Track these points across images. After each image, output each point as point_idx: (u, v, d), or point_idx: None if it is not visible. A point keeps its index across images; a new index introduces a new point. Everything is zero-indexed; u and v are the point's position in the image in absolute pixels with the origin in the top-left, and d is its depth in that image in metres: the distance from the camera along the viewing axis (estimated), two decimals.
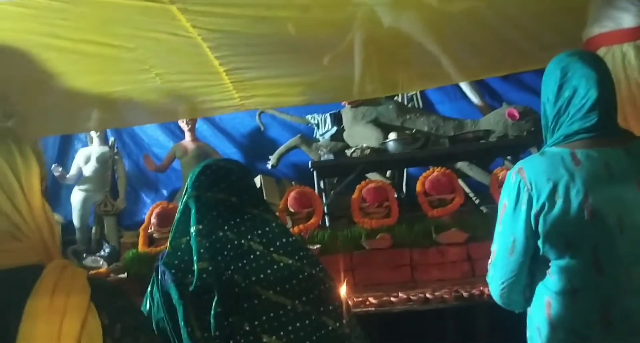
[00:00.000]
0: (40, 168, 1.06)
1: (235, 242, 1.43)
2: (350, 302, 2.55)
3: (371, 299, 2.54)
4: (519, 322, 1.82)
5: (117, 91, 4.18)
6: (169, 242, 1.56)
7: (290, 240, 1.48)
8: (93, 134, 5.37)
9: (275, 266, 1.41)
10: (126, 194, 5.44)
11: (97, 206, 5.15)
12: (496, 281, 1.74)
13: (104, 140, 5.48)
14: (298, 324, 1.35)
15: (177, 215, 1.56)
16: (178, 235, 1.52)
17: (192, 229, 1.46)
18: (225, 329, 1.34)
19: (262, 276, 1.38)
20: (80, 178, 5.34)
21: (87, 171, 5.30)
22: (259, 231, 1.46)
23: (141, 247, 3.22)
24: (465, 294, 2.54)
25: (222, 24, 3.68)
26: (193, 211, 1.49)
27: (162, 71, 3.93)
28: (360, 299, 2.58)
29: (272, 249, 1.43)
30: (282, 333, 1.33)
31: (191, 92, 4.06)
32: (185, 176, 5.32)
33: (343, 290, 2.58)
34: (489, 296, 1.87)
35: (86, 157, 5.37)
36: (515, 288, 1.73)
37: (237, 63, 3.92)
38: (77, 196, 5.25)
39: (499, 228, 1.75)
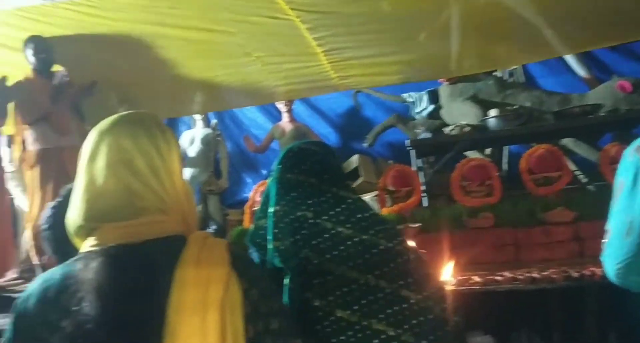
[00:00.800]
0: (179, 150, 1.15)
1: (312, 221, 1.45)
2: (451, 279, 2.55)
3: (475, 278, 2.52)
4: (632, 302, 1.75)
5: (220, 75, 4.36)
6: (253, 221, 1.63)
7: (366, 215, 1.48)
8: (197, 117, 5.62)
9: (349, 242, 1.42)
10: (228, 174, 5.67)
11: (201, 186, 5.41)
12: (611, 262, 1.68)
13: (206, 122, 5.73)
14: (371, 297, 1.36)
15: (263, 196, 1.62)
16: (261, 215, 1.58)
17: (270, 210, 1.51)
18: (299, 305, 1.38)
19: (335, 252, 1.41)
20: (185, 160, 5.63)
21: (192, 152, 5.57)
22: (337, 209, 1.48)
23: (246, 224, 3.37)
24: (575, 274, 2.45)
25: (320, 5, 3.73)
26: (273, 192, 1.54)
27: (263, 54, 4.06)
28: (463, 277, 2.56)
29: (347, 225, 1.44)
30: (355, 307, 1.34)
31: (290, 73, 4.16)
32: None
33: (447, 268, 2.58)
34: (601, 277, 1.79)
35: (190, 139, 5.64)
36: (633, 269, 1.66)
37: (334, 43, 3.96)
38: None
39: (614, 207, 1.68)
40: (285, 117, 5.51)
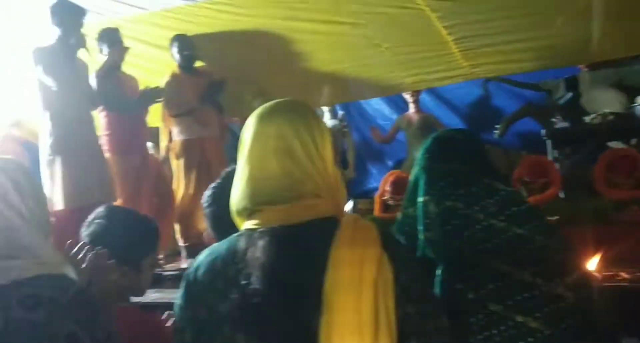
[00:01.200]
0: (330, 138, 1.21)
1: (462, 212, 1.43)
2: (597, 276, 2.42)
3: (623, 274, 2.38)
4: None
5: (349, 67, 4.42)
6: (401, 210, 1.64)
7: (522, 208, 1.44)
8: (324, 108, 5.74)
9: (503, 236, 1.39)
10: (354, 164, 5.75)
11: None
12: None
13: (334, 114, 5.84)
14: (527, 294, 1.33)
15: (409, 185, 1.62)
16: (408, 204, 1.58)
17: (419, 199, 1.51)
18: (450, 295, 1.37)
19: (488, 245, 1.38)
20: None
21: None
22: (489, 200, 1.45)
23: (377, 213, 3.42)
24: None
25: None
26: (421, 182, 1.53)
27: (391, 45, 4.06)
28: (610, 273, 2.42)
29: (500, 218, 1.41)
30: (509, 302, 1.32)
31: (420, 63, 4.12)
32: (410, 147, 5.43)
33: (591, 263, 2.45)
34: None
35: None
36: None
37: (465, 31, 3.88)
38: None
39: None
40: (411, 107, 5.47)
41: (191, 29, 4.28)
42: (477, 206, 1.44)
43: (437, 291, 1.37)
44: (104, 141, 3.93)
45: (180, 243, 3.93)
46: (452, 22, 3.82)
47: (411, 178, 1.61)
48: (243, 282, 1.07)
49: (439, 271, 1.40)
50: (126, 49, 3.87)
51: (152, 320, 1.80)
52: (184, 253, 4.02)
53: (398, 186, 3.36)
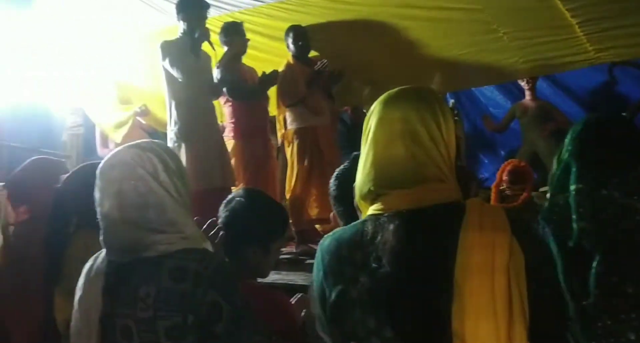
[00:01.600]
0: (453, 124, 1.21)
1: (619, 201, 1.36)
2: None
3: None
4: None
5: (464, 53, 4.31)
6: (548, 197, 1.58)
7: None
8: None
9: None
10: (466, 153, 5.62)
11: None
12: None
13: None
14: None
15: (556, 171, 1.56)
16: (557, 191, 1.52)
17: (572, 187, 1.44)
18: (605, 289, 1.31)
19: None
20: None
21: None
22: None
23: (493, 203, 3.32)
24: None
25: None
26: (574, 169, 1.46)
27: (510, 30, 3.92)
28: None
29: None
30: None
31: (540, 48, 3.94)
32: (525, 135, 5.24)
33: None
34: None
35: None
36: None
37: (591, 13, 3.66)
38: None
39: None
40: (527, 95, 5.25)
41: (305, 20, 4.37)
42: (636, 196, 1.37)
43: (591, 284, 1.32)
44: (228, 129, 4.15)
45: (293, 228, 4.06)
46: (576, 4, 3.61)
47: (557, 164, 1.55)
48: (373, 266, 1.09)
49: (594, 264, 1.35)
50: (247, 40, 4.06)
51: (279, 298, 1.88)
52: (296, 238, 4.14)
53: (516, 175, 3.25)
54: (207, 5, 3.87)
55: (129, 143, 1.50)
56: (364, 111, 4.84)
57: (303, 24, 4.35)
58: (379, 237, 1.10)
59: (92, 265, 1.51)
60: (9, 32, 4.59)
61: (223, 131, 4.25)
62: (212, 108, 4.02)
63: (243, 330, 1.39)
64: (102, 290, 1.44)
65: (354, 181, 1.23)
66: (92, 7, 4.59)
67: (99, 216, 1.45)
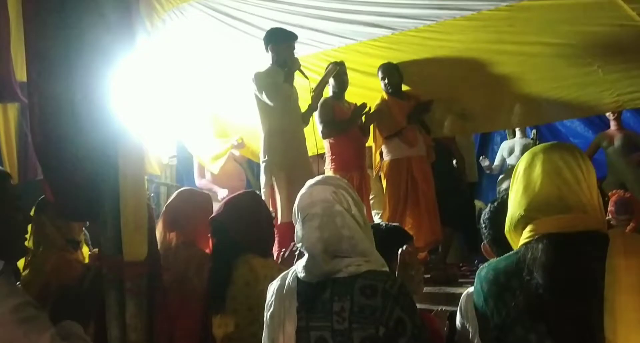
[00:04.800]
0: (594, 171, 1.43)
1: None
2: None
3: None
4: None
5: (556, 87, 4.36)
6: None
7: None
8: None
9: None
10: None
11: None
12: None
13: (525, 132, 5.84)
14: None
15: None
16: None
17: None
18: None
19: None
20: (504, 168, 5.82)
21: (511, 161, 5.72)
22: None
23: None
24: None
25: None
26: None
27: (604, 63, 4.01)
28: None
29: None
30: None
31: (635, 81, 4.01)
32: (610, 166, 5.25)
33: None
34: None
35: (510, 148, 5.81)
36: None
37: None
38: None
39: None
40: (613, 125, 5.28)
41: (397, 57, 4.57)
42: None
43: None
44: (328, 162, 4.35)
45: None
46: None
47: None
48: (526, 278, 1.31)
49: None
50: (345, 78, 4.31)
51: (428, 316, 2.06)
52: None
53: (622, 205, 3.34)
54: (296, 37, 4.03)
55: (318, 180, 1.73)
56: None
57: (395, 61, 4.56)
58: (529, 255, 1.33)
59: (281, 285, 1.71)
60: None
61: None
62: (304, 137, 4.11)
63: None
64: (296, 306, 1.63)
65: (503, 219, 1.48)
66: (193, 39, 4.85)
67: (301, 246, 1.67)
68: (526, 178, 1.42)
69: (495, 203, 1.87)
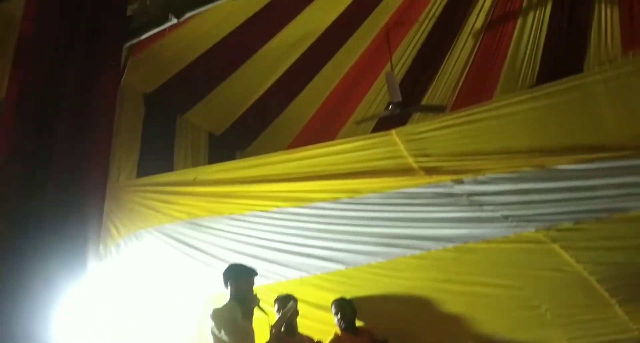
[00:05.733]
0: None
1: None
2: None
3: None
4: None
5: (501, 328, 4.40)
6: None
7: None
8: None
9: None
10: None
11: None
12: None
13: None
14: None
15: None
16: None
17: None
18: None
19: None
20: None
21: None
22: None
23: None
24: None
25: (608, 257, 3.80)
26: None
27: (551, 306, 4.10)
28: None
29: None
30: None
31: (584, 326, 4.07)
32: None
33: None
34: None
35: None
36: None
37: (629, 293, 3.88)
38: None
39: None
40: None
41: (350, 291, 4.58)
42: None
43: None
44: None
45: None
46: (613, 284, 3.86)
47: None
48: None
49: None
50: (297, 311, 4.21)
51: None
52: None
53: None
54: (256, 273, 4.03)
55: None
56: None
57: (347, 295, 4.56)
58: None
59: None
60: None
61: None
62: None
63: None
64: None
65: None
66: (146, 266, 4.77)
67: None
68: None
69: None
